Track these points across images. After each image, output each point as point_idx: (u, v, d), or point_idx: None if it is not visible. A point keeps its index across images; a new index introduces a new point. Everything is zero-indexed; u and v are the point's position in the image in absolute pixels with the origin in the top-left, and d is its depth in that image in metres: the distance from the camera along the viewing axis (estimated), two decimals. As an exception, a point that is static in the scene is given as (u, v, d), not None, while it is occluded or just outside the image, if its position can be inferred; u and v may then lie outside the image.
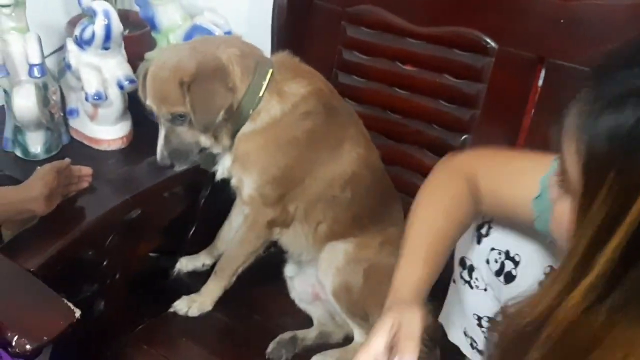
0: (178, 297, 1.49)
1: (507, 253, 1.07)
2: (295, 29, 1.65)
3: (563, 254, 0.58)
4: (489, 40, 1.42)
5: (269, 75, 1.34)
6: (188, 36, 1.75)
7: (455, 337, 1.21)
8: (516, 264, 1.06)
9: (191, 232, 1.62)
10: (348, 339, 1.45)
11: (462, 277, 1.14)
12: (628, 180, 0.48)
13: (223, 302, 1.47)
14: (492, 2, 1.42)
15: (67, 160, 1.38)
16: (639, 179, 0.48)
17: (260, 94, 1.32)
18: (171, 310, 1.45)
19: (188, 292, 1.50)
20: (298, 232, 1.41)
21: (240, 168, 1.37)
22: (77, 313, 1.15)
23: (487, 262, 1.09)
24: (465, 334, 1.19)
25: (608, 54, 0.56)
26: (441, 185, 1.01)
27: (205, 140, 1.35)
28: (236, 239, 1.46)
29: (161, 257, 1.63)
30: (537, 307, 0.56)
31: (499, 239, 1.07)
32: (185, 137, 1.34)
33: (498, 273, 1.08)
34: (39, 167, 1.32)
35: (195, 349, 1.38)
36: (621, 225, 0.49)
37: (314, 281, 1.45)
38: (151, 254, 1.59)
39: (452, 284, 1.19)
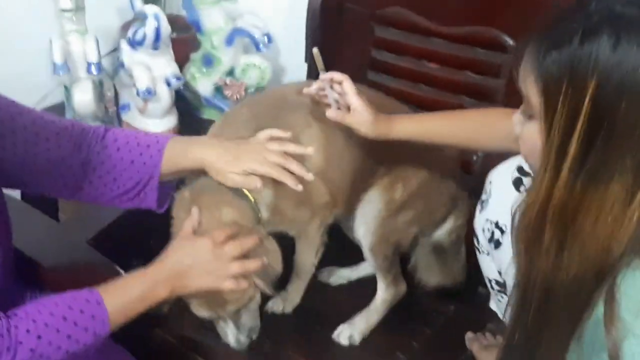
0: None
1: (496, 223, 1.22)
2: (328, 30, 1.77)
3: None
4: (506, 38, 1.52)
5: None
6: (230, 38, 1.90)
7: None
8: (502, 232, 1.21)
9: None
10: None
11: (475, 246, 1.30)
12: (578, 93, 0.68)
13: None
14: (509, 2, 1.52)
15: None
16: (585, 90, 0.67)
17: None
18: (267, 310, 1.49)
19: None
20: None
21: None
22: (126, 276, 1.29)
23: (483, 230, 1.26)
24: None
25: None
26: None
27: None
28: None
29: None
30: (536, 200, 0.75)
31: (492, 210, 1.23)
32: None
33: (490, 240, 1.24)
34: None
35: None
36: (579, 123, 0.68)
37: None
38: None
39: None
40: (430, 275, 1.59)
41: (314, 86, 1.28)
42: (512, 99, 1.50)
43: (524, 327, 0.81)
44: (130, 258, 1.49)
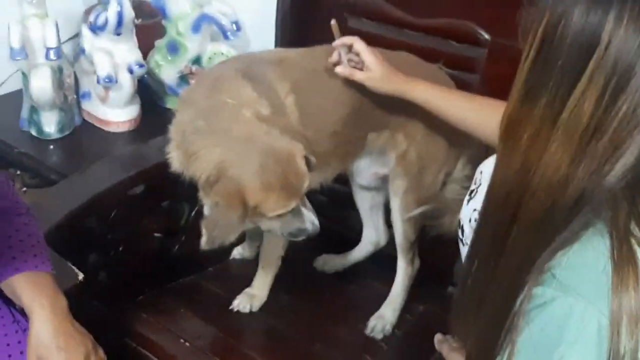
0: (178, 272, 1.56)
1: None
2: (299, 19, 1.71)
3: None
4: (482, 32, 1.48)
5: None
6: (196, 25, 1.83)
7: None
8: None
9: (193, 213, 1.68)
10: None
11: (459, 237, 1.26)
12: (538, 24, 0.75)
13: (219, 276, 1.55)
14: (485, -5, 1.48)
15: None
16: (542, 20, 0.74)
17: None
18: (232, 308, 1.47)
19: (188, 270, 1.57)
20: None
21: None
22: (80, 276, 1.22)
23: (470, 221, 1.21)
24: None
25: None
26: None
27: None
28: None
29: (165, 238, 1.69)
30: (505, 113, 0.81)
31: (481, 200, 1.15)
32: None
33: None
34: None
35: (192, 319, 1.45)
36: (533, 48, 0.76)
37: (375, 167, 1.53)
38: (156, 234, 1.66)
39: None
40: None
41: (334, 56, 1.34)
42: (486, 94, 1.50)
43: (480, 260, 0.85)
44: (87, 254, 1.43)
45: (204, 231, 1.21)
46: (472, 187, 1.24)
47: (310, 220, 1.24)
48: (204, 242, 1.22)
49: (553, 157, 0.74)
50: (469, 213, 1.23)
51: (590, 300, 0.69)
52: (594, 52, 0.71)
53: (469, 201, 1.24)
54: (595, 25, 0.70)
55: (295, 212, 1.23)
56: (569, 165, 0.73)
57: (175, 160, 1.27)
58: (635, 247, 0.70)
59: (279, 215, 1.22)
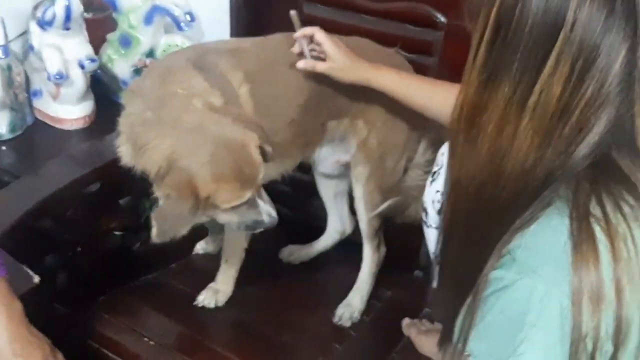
0: (141, 270, 1.53)
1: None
2: (254, 8, 1.68)
3: None
4: (438, 15, 1.48)
5: None
6: (149, 16, 1.78)
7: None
8: None
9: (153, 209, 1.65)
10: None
11: (423, 220, 1.26)
12: (489, 6, 0.73)
13: (182, 272, 1.52)
14: (440, -22, 1.47)
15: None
16: (494, 2, 0.72)
17: None
18: (197, 304, 1.44)
19: (150, 267, 1.53)
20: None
21: None
22: (36, 279, 1.18)
23: (433, 202, 1.22)
24: None
25: None
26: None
27: None
28: None
29: (125, 236, 1.65)
30: (456, 106, 0.80)
31: (443, 182, 1.15)
32: None
33: (439, 212, 1.20)
34: None
35: (156, 317, 1.42)
36: (487, 32, 0.74)
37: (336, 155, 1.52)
38: (116, 232, 1.62)
39: None
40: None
41: (296, 47, 1.33)
42: (445, 77, 1.50)
43: (454, 250, 0.84)
44: (43, 256, 1.39)
45: (154, 224, 1.18)
46: (435, 168, 1.24)
47: (266, 212, 1.22)
48: (154, 235, 1.19)
49: (524, 142, 0.72)
50: (432, 195, 1.23)
51: (551, 281, 0.69)
52: (558, 34, 0.69)
53: (431, 182, 1.24)
54: (559, 6, 0.69)
55: (251, 204, 1.20)
56: (538, 149, 0.72)
57: (125, 154, 1.23)
58: (595, 225, 0.69)
59: (234, 207, 1.19)
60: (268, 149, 1.22)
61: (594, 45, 0.69)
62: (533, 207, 0.72)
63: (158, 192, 1.19)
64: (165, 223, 1.18)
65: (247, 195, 1.18)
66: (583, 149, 0.71)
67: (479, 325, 0.73)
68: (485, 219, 0.77)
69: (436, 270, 1.32)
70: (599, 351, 0.68)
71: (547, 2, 0.69)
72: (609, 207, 0.70)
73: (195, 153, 1.15)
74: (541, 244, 0.71)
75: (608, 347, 0.69)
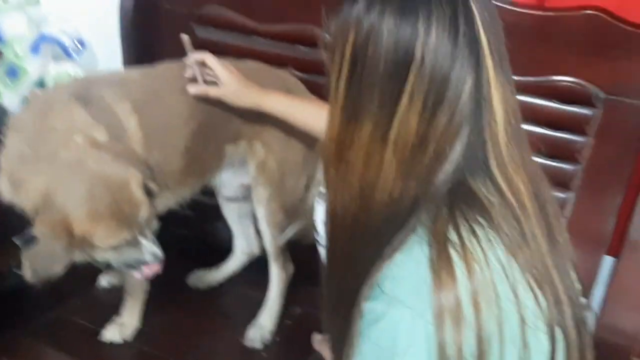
0: (39, 309, 1.47)
1: None
2: (144, 32, 1.67)
3: None
4: (327, 35, 1.50)
5: None
6: (35, 46, 1.72)
7: None
8: None
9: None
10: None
11: (315, 239, 1.26)
12: (344, 43, 0.76)
13: (85, 308, 1.49)
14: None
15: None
16: (348, 39, 0.75)
17: None
18: (103, 340, 1.41)
19: (49, 305, 1.48)
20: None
21: None
22: None
23: (323, 222, 1.20)
24: None
25: None
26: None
27: None
28: None
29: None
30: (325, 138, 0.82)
31: None
32: None
33: None
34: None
35: (59, 357, 1.37)
36: (344, 68, 0.76)
37: (239, 179, 1.53)
38: (14, 270, 1.55)
39: None
40: None
41: (188, 72, 1.33)
42: None
43: (333, 278, 0.87)
44: None
45: (26, 264, 1.14)
46: (322, 189, 1.26)
47: (150, 251, 1.21)
48: (28, 276, 1.15)
49: (389, 173, 0.75)
50: (322, 215, 1.24)
51: (416, 309, 0.71)
52: (409, 68, 0.72)
53: (321, 202, 1.26)
54: (407, 40, 0.71)
55: (132, 243, 1.19)
56: (403, 178, 0.75)
57: (4, 191, 1.19)
58: (452, 250, 0.72)
59: (113, 246, 1.17)
60: (153, 186, 1.21)
61: (443, 79, 0.72)
62: (400, 235, 0.75)
63: (35, 230, 1.16)
64: (37, 262, 1.14)
65: (125, 234, 1.17)
66: (441, 176, 0.75)
67: (357, 356, 0.75)
68: (363, 248, 0.79)
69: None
70: None
71: (396, 38, 0.72)
72: (464, 232, 0.73)
73: (70, 190, 1.12)
74: (405, 274, 0.74)
75: None
